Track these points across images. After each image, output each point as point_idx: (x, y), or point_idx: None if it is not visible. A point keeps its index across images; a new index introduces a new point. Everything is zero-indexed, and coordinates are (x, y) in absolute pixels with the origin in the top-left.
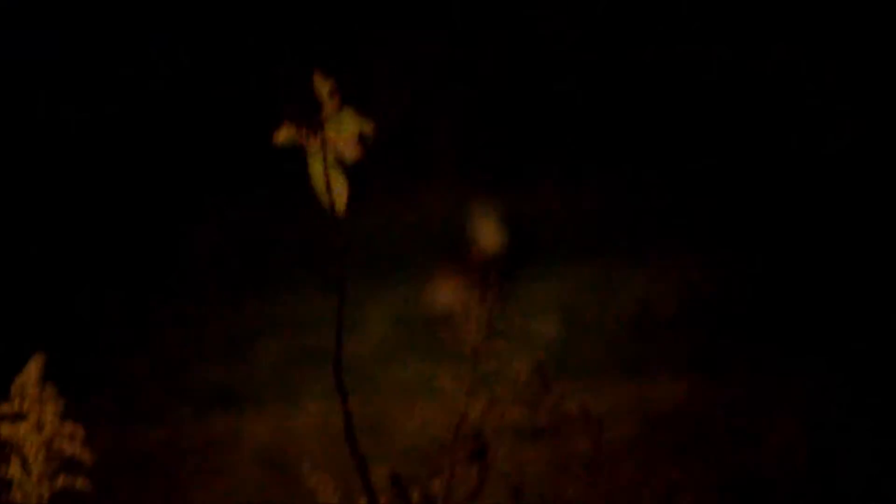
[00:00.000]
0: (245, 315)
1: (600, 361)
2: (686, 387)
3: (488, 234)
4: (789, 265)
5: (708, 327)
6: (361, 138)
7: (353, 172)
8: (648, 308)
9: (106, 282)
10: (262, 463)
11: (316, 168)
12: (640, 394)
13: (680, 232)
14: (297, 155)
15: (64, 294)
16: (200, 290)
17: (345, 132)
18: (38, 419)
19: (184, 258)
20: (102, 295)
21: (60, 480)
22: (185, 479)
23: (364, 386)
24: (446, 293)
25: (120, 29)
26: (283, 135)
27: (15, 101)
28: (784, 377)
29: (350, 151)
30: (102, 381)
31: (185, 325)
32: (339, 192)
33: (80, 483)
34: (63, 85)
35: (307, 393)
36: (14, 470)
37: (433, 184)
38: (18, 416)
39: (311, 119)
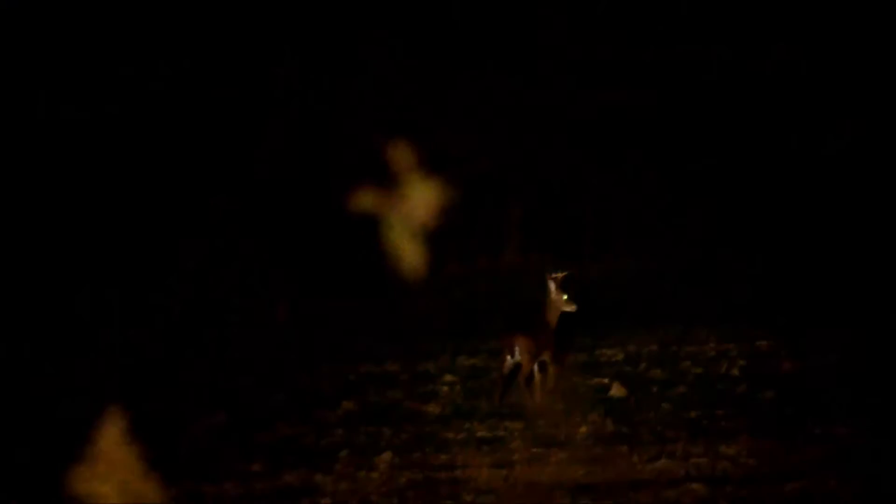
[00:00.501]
0: (319, 375)
1: (667, 423)
2: (751, 451)
3: (557, 299)
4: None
5: (773, 391)
6: (438, 207)
7: (428, 239)
8: (715, 371)
9: (186, 339)
10: None
11: (393, 236)
12: (706, 456)
13: (743, 298)
14: (371, 222)
15: (145, 350)
16: (277, 349)
17: (422, 201)
18: (121, 480)
19: (263, 321)
20: (183, 352)
21: None
22: None
23: (432, 442)
24: (517, 356)
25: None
26: (361, 202)
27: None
28: (848, 445)
29: (427, 220)
30: (179, 434)
31: (262, 383)
32: (415, 260)
33: None
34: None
35: (377, 449)
36: None
37: (506, 249)
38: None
39: (390, 188)
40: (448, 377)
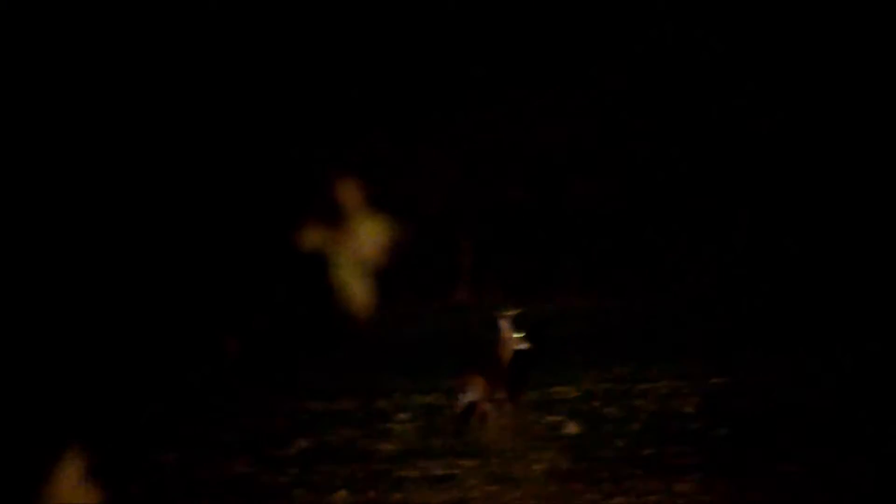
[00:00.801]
0: (272, 412)
1: (621, 460)
2: (706, 488)
3: (509, 338)
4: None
5: (728, 429)
6: (387, 244)
7: (378, 277)
8: (669, 408)
9: (135, 377)
10: None
11: (341, 273)
12: (661, 493)
13: (696, 335)
14: (325, 257)
15: (96, 389)
16: (228, 386)
17: (371, 239)
18: None
19: (214, 354)
20: (133, 391)
21: None
22: None
23: (387, 480)
24: (471, 394)
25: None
26: (308, 239)
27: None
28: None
29: (376, 257)
30: (129, 475)
31: (214, 421)
32: (370, 295)
33: None
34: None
35: (332, 487)
36: None
37: (458, 287)
38: None
39: (338, 225)
40: (402, 415)
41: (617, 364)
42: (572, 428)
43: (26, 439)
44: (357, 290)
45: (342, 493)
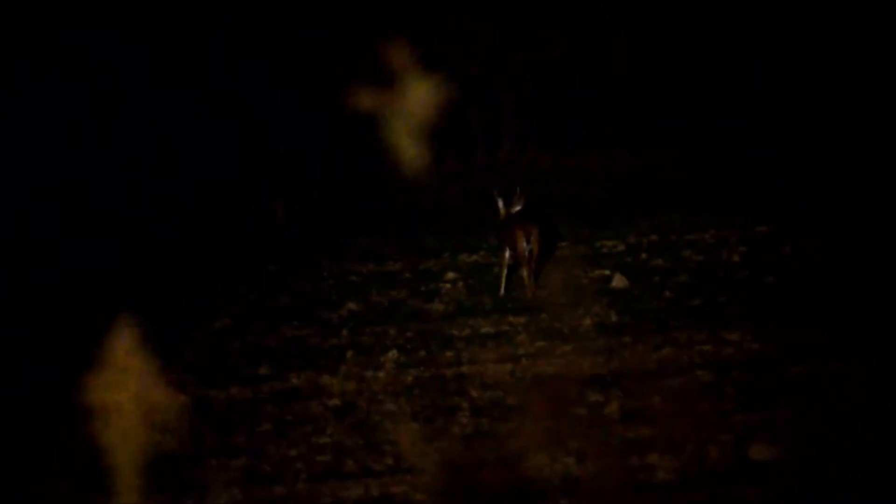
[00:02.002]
0: (322, 276)
1: (669, 311)
2: (754, 337)
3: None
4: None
5: (775, 276)
6: (436, 105)
7: (427, 138)
8: (716, 258)
9: (185, 246)
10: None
11: (394, 134)
12: (710, 343)
13: (741, 184)
14: (371, 120)
15: (146, 259)
16: (279, 252)
17: (421, 99)
18: (135, 387)
19: (264, 221)
20: (181, 258)
21: (153, 442)
22: (266, 431)
23: (438, 339)
24: (517, 250)
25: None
26: (361, 101)
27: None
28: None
29: (426, 118)
30: (185, 341)
31: (265, 286)
32: (416, 157)
33: (170, 443)
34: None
35: (383, 348)
36: (113, 435)
37: (501, 146)
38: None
39: (389, 86)
40: (450, 275)
41: (663, 216)
42: (620, 281)
43: (83, 304)
44: (409, 150)
45: (393, 353)
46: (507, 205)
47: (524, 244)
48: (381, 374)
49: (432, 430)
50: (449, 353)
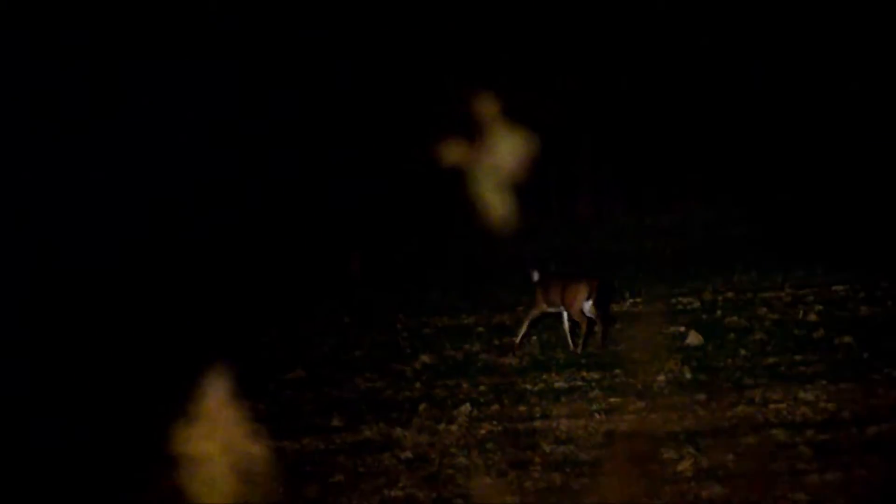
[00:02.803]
0: (396, 329)
1: (744, 370)
2: (830, 396)
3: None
4: None
5: (851, 336)
6: (517, 159)
7: (505, 192)
8: (792, 317)
9: (262, 297)
10: (412, 466)
11: (480, 187)
12: (785, 401)
13: (819, 242)
14: (448, 173)
15: (223, 309)
16: (354, 304)
17: (507, 152)
18: (224, 439)
19: (340, 273)
20: (257, 309)
21: (235, 491)
22: (338, 482)
23: (511, 394)
24: (594, 307)
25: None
26: (450, 154)
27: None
28: None
29: (506, 172)
30: (259, 392)
31: (339, 338)
32: (495, 211)
33: (249, 493)
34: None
35: (456, 401)
36: (198, 484)
37: (578, 200)
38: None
39: (477, 139)
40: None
41: (739, 273)
42: (694, 338)
43: (173, 361)
44: (488, 204)
45: (466, 407)
46: (541, 268)
47: (582, 300)
48: (454, 428)
49: (505, 484)
50: (522, 408)
